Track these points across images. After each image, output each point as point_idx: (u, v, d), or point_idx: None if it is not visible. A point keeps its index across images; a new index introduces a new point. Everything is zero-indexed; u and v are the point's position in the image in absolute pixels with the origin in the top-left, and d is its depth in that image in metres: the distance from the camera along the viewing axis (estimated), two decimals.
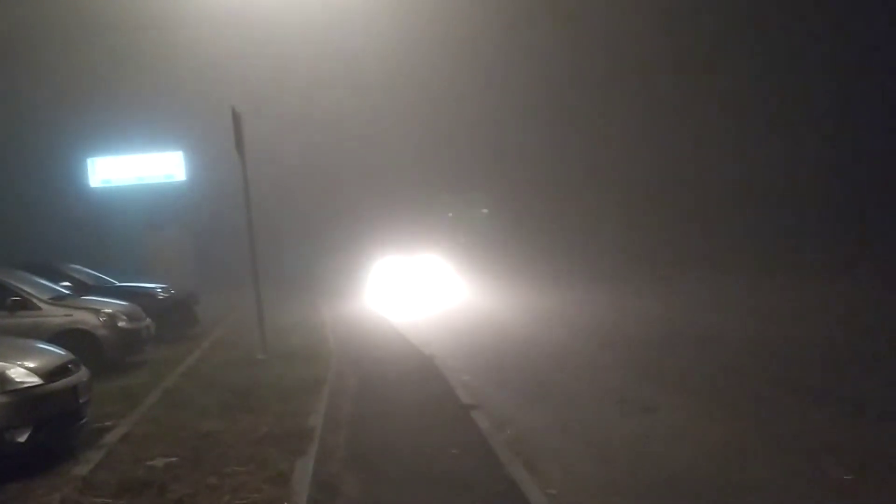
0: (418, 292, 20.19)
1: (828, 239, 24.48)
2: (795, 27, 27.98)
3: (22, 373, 5.76)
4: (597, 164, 29.40)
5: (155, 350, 11.18)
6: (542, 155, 29.47)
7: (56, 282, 11.62)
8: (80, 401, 6.18)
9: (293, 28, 25.03)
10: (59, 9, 24.57)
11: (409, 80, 27.55)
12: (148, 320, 10.92)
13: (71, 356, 6.52)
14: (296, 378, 8.74)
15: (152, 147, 26.91)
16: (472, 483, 5.11)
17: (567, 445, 6.15)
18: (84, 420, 6.33)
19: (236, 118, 10.74)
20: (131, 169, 27.22)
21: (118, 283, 14.26)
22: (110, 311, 10.20)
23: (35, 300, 9.88)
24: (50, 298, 10.15)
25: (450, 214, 29.65)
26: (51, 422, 5.80)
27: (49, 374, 5.94)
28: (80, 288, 12.37)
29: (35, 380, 5.78)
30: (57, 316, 9.84)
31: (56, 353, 6.55)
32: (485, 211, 30.27)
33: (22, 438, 5.54)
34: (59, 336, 9.12)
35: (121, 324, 10.14)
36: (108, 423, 6.84)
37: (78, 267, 14.29)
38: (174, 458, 5.73)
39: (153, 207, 25.83)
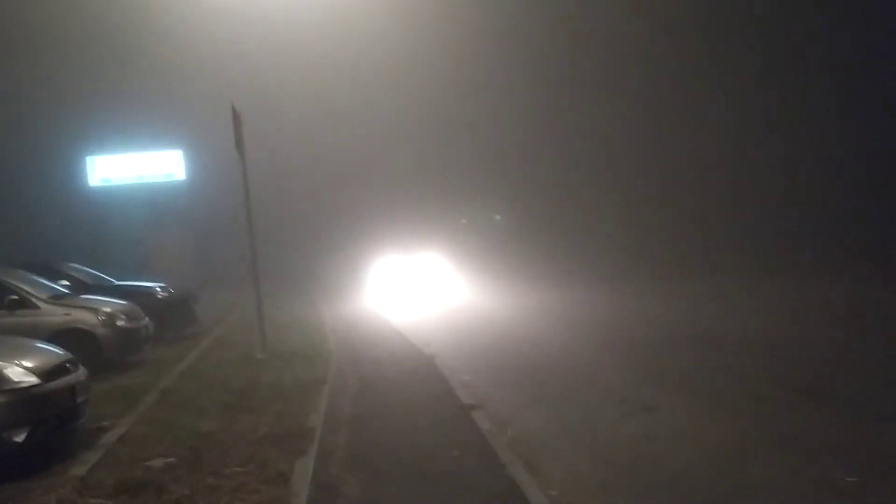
0: (418, 292, 20.17)
1: (828, 239, 24.48)
2: (795, 27, 27.96)
3: (19, 372, 5.74)
4: (597, 165, 29.40)
5: (154, 349, 11.15)
6: (542, 155, 29.46)
7: (55, 281, 11.60)
8: (78, 400, 6.16)
9: (294, 27, 25.02)
10: (59, 8, 24.55)
11: (409, 81, 27.53)
12: (147, 319, 10.90)
13: (69, 355, 6.50)
14: (296, 378, 8.72)
15: (152, 146, 26.88)
16: (472, 484, 5.09)
17: (568, 446, 6.13)
18: (82, 420, 6.30)
19: (236, 117, 10.72)
20: (131, 168, 27.19)
21: (117, 283, 14.23)
22: (109, 310, 10.18)
23: (34, 299, 9.86)
24: (49, 297, 10.12)
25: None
26: (48, 421, 5.78)
27: (47, 374, 5.91)
28: (79, 287, 12.35)
29: (33, 379, 5.76)
30: (56, 315, 9.82)
31: (54, 352, 6.53)
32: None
33: (19, 438, 5.52)
34: (58, 335, 9.09)
35: (120, 323, 10.11)
36: (106, 423, 6.81)
37: (77, 266, 14.26)
38: (173, 459, 5.71)
39: (153, 206, 25.80)
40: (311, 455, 5.65)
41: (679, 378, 8.39)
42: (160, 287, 14.04)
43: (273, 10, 24.39)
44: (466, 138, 29.15)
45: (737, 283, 19.11)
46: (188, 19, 24.33)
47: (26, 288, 10.03)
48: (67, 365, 6.29)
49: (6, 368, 5.69)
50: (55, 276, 12.29)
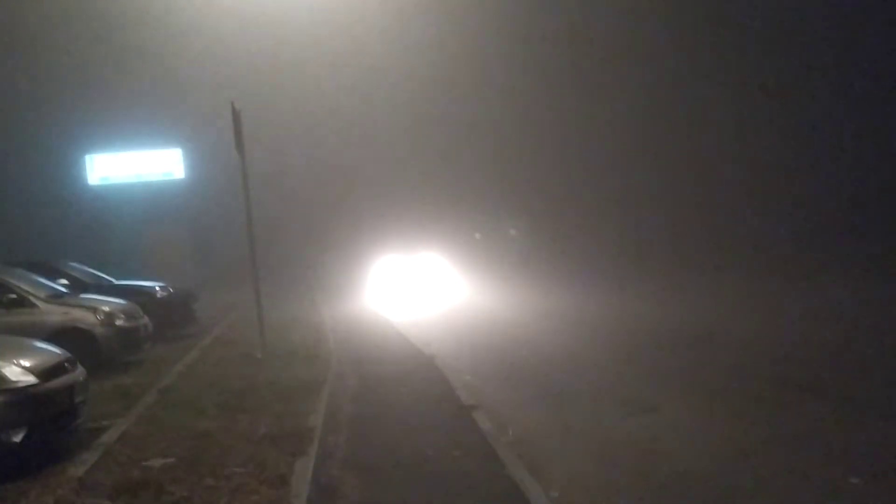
0: (419, 292, 20.14)
1: (828, 239, 24.47)
2: (799, 29, 27.94)
3: (17, 372, 5.69)
4: (597, 165, 29.38)
5: (153, 349, 11.10)
6: (541, 155, 29.43)
7: (54, 280, 11.56)
8: (77, 400, 6.11)
9: (294, 26, 25.00)
10: (59, 7, 24.53)
11: (409, 80, 27.51)
12: (146, 319, 10.85)
13: (67, 355, 6.46)
14: (295, 377, 8.68)
15: (151, 144, 26.87)
16: (473, 484, 5.06)
17: (569, 446, 6.11)
18: (80, 419, 6.26)
19: (236, 115, 10.67)
20: (130, 166, 27.17)
21: (116, 282, 14.19)
22: (108, 309, 10.13)
23: (32, 298, 9.81)
24: (47, 296, 10.07)
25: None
26: (46, 421, 5.74)
27: (45, 374, 5.87)
28: (79, 286, 12.31)
29: (31, 379, 5.71)
30: (54, 314, 9.76)
31: (52, 351, 6.49)
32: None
33: (17, 438, 5.48)
34: (57, 334, 9.03)
35: (119, 322, 10.06)
36: (104, 423, 6.77)
37: (76, 265, 14.22)
38: (171, 459, 5.67)
39: (152, 205, 25.78)
40: (310, 455, 5.61)
41: (680, 378, 8.36)
42: (159, 286, 13.99)
43: (273, 10, 24.38)
44: (466, 138, 29.12)
45: (739, 282, 19.09)
46: (188, 18, 24.31)
47: (25, 287, 9.98)
48: (66, 364, 6.25)
49: (4, 367, 5.64)
50: (54, 275, 12.25)
